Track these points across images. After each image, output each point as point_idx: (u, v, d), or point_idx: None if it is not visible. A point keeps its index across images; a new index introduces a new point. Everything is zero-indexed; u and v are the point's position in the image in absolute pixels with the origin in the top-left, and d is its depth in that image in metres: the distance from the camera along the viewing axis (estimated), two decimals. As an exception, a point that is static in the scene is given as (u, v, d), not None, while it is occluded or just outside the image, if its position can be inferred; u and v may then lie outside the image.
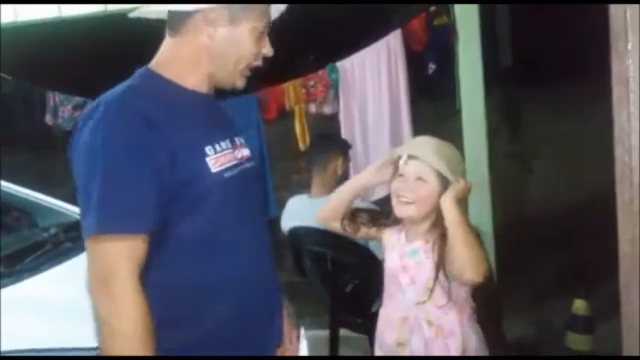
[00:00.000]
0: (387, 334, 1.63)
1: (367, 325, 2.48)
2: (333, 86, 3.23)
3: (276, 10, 1.31)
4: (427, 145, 1.56)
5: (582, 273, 3.13)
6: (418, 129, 3.25)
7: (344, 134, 3.18)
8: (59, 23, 3.15)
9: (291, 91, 3.23)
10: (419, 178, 1.53)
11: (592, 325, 2.74)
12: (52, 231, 2.20)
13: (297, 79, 3.23)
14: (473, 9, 3.07)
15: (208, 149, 1.20)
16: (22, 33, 3.14)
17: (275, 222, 2.59)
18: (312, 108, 3.28)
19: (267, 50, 1.28)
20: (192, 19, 1.22)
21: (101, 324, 1.13)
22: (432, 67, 3.21)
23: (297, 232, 2.49)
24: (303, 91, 3.23)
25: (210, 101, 1.29)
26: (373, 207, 1.82)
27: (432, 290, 1.52)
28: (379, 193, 3.20)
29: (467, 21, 3.07)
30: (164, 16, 1.26)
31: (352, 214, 1.69)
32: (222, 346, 1.20)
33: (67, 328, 1.60)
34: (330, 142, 2.63)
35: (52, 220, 2.35)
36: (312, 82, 3.24)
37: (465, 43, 3.08)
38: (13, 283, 1.79)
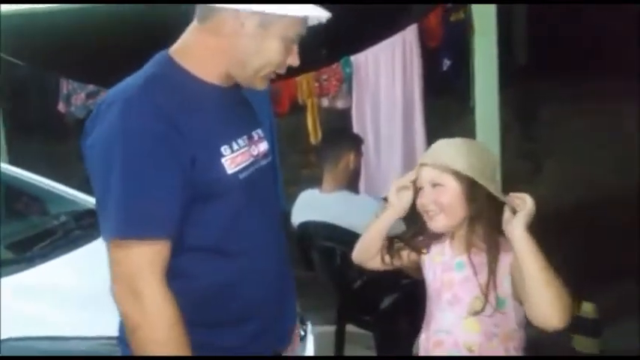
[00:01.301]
0: None
1: (374, 322, 2.48)
2: (347, 80, 3.20)
3: (315, 18, 1.22)
4: (439, 148, 1.42)
5: (590, 275, 3.10)
6: (431, 126, 3.22)
7: (356, 129, 3.16)
8: (74, 10, 3.15)
9: (304, 84, 3.21)
10: (435, 185, 1.38)
11: (599, 328, 2.72)
12: (63, 219, 2.21)
13: (310, 72, 3.21)
14: (490, 5, 3.04)
15: (224, 149, 1.16)
16: (37, 19, 3.14)
17: (284, 216, 2.58)
18: (325, 102, 3.25)
19: (293, 61, 1.22)
20: (223, 16, 1.16)
21: (133, 332, 1.10)
22: (447, 63, 3.18)
23: (306, 227, 2.48)
24: (316, 84, 3.21)
25: (230, 95, 1.25)
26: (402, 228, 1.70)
27: (478, 312, 1.33)
28: (389, 190, 3.19)
29: (483, 17, 3.03)
30: None
31: (388, 245, 1.52)
32: (243, 341, 1.20)
33: (78, 315, 1.60)
34: (342, 137, 2.60)
35: (63, 208, 2.35)
36: (325, 76, 3.21)
37: (481, 40, 3.05)
38: (23, 269, 1.79)
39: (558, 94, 5.94)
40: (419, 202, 1.42)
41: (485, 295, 1.32)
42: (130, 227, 1.08)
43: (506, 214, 1.31)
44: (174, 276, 1.13)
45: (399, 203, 1.46)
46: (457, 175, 1.36)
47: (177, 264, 1.13)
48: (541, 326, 1.28)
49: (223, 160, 1.16)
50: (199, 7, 1.20)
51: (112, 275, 1.11)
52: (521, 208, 1.29)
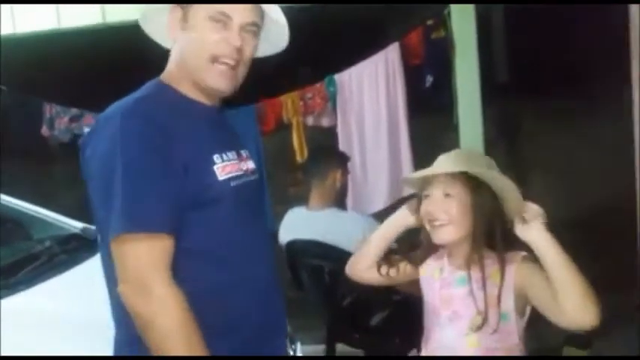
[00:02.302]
0: None
1: (364, 339, 2.47)
2: (331, 99, 3.23)
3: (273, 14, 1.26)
4: (447, 158, 1.39)
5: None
6: (416, 142, 3.25)
7: (342, 147, 3.17)
8: (57, 35, 3.15)
9: (289, 103, 3.23)
10: (447, 195, 1.34)
11: (590, 340, 2.74)
12: (47, 243, 2.18)
13: (294, 91, 3.23)
14: (470, 23, 3.09)
15: (216, 157, 1.20)
16: (20, 44, 3.13)
17: (272, 236, 2.57)
18: (310, 120, 3.27)
19: (234, 40, 1.20)
20: (169, 23, 1.25)
21: (145, 329, 1.11)
22: (429, 80, 3.22)
23: (294, 245, 2.47)
24: (301, 103, 3.23)
25: (217, 114, 1.30)
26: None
27: (479, 328, 1.30)
28: (376, 206, 3.21)
29: (464, 34, 3.09)
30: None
31: (385, 257, 1.49)
32: (233, 350, 1.20)
33: (64, 341, 1.57)
34: (328, 155, 2.62)
35: (47, 233, 2.33)
36: (309, 95, 3.24)
37: (462, 57, 3.10)
38: (7, 295, 1.76)
39: (539, 109, 6.02)
40: (424, 209, 1.37)
41: (486, 312, 1.30)
42: (136, 222, 1.11)
43: (518, 223, 1.30)
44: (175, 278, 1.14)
45: (409, 213, 1.43)
46: (469, 186, 1.33)
47: (173, 270, 1.15)
48: (574, 326, 1.24)
49: (215, 167, 1.19)
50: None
51: (119, 275, 1.13)
52: (531, 216, 1.29)
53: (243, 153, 1.30)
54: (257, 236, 1.28)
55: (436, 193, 1.36)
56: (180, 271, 1.15)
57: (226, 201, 1.20)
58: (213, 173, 1.19)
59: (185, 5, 1.22)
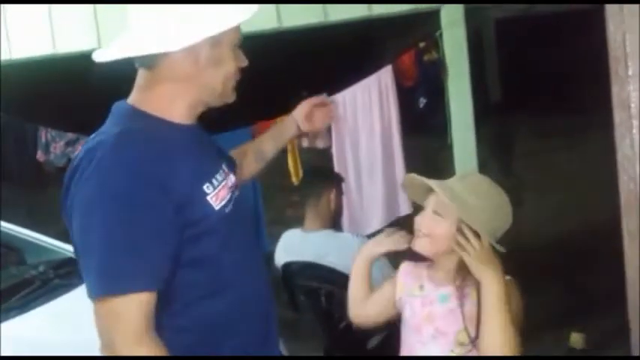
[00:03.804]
0: None
1: (361, 361, 2.44)
2: (326, 121, 3.24)
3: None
4: (458, 180, 1.41)
5: (579, 306, 3.10)
6: (410, 163, 3.26)
7: (337, 168, 3.18)
8: (52, 60, 3.16)
9: (283, 126, 3.23)
10: (435, 212, 1.38)
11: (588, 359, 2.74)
12: (41, 268, 2.16)
13: (289, 113, 3.24)
14: (461, 44, 3.13)
15: (206, 187, 1.17)
16: (16, 69, 3.14)
17: (268, 257, 2.56)
18: (305, 142, 3.28)
19: (243, 61, 1.24)
20: (172, 55, 1.16)
21: None
22: (422, 101, 3.24)
23: (290, 267, 2.46)
24: (296, 125, 3.23)
25: (196, 132, 1.26)
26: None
27: (465, 344, 1.32)
28: (372, 227, 3.20)
29: (456, 56, 3.12)
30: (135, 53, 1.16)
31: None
32: None
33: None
34: (323, 176, 2.62)
35: (41, 258, 2.31)
36: (304, 117, 3.24)
37: (455, 78, 3.13)
38: (1, 321, 1.74)
39: (532, 129, 6.08)
40: (416, 219, 1.42)
41: (467, 328, 1.32)
42: (110, 285, 1.07)
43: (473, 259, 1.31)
44: (167, 314, 1.12)
45: (382, 242, 1.49)
46: (456, 212, 1.34)
47: (173, 304, 1.13)
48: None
49: (208, 198, 1.17)
50: (140, 56, 1.18)
51: (99, 336, 1.09)
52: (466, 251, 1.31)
53: (225, 167, 1.27)
54: (251, 255, 1.27)
55: (428, 207, 1.41)
56: (182, 303, 1.14)
57: (223, 228, 1.18)
58: (209, 204, 1.16)
59: (214, 36, 1.16)
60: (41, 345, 1.65)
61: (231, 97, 1.25)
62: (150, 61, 1.18)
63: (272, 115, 3.26)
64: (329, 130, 3.23)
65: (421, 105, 3.24)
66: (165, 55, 1.16)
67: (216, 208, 1.17)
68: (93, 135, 1.20)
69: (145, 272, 1.08)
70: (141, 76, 1.22)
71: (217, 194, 1.18)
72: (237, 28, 1.21)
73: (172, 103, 1.20)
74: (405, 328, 1.44)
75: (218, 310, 1.17)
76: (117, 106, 1.22)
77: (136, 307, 1.07)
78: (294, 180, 3.22)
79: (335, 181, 2.58)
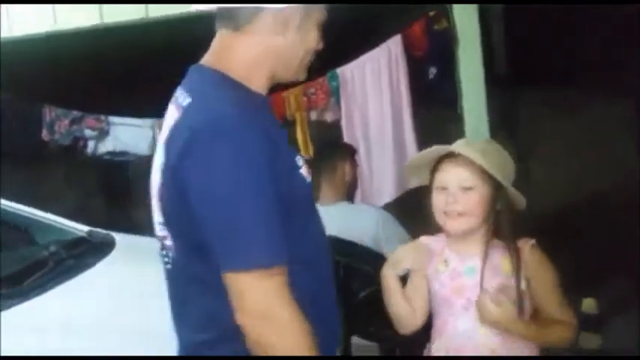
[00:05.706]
0: None
1: (379, 332, 2.44)
2: (334, 93, 3.19)
3: None
4: (470, 144, 1.42)
5: (590, 272, 3.11)
6: (421, 133, 3.22)
7: (347, 141, 3.14)
8: (54, 37, 3.11)
9: (291, 99, 3.19)
10: (464, 188, 1.36)
11: (601, 324, 2.76)
12: (53, 248, 2.15)
13: (297, 87, 3.19)
14: (472, 13, 3.06)
15: (297, 159, 1.17)
16: (17, 47, 3.09)
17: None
18: (314, 115, 3.24)
19: (320, 43, 1.22)
20: (263, 17, 1.15)
21: (265, 352, 1.09)
22: (432, 71, 3.18)
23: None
24: (304, 98, 3.19)
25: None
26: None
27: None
28: (383, 199, 3.18)
29: (466, 25, 3.05)
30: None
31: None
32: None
33: (79, 345, 1.55)
34: (335, 149, 2.60)
35: (51, 237, 2.30)
36: (312, 90, 3.20)
37: (465, 48, 3.06)
38: (18, 303, 1.74)
39: (543, 98, 6.00)
40: (439, 199, 1.38)
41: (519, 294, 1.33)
42: (257, 260, 1.08)
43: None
44: None
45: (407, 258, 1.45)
46: (486, 178, 1.35)
47: None
48: None
49: (301, 170, 1.17)
50: (228, 14, 1.16)
51: (238, 306, 1.09)
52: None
53: None
54: (322, 231, 1.26)
55: (453, 185, 1.37)
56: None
57: (309, 201, 1.19)
58: (302, 176, 1.17)
59: (308, 7, 1.17)
60: (61, 324, 1.65)
61: (302, 75, 1.24)
62: (239, 21, 1.15)
63: (279, 88, 3.21)
64: (338, 102, 3.19)
65: (431, 75, 3.18)
66: (255, 16, 1.15)
67: (308, 181, 1.17)
68: (186, 102, 1.14)
69: (280, 247, 1.10)
70: (223, 37, 1.18)
71: (305, 168, 1.18)
72: (323, 8, 1.21)
73: (256, 71, 1.17)
74: (436, 300, 1.43)
75: (305, 285, 1.15)
76: (200, 73, 1.18)
77: (276, 279, 1.09)
78: (304, 154, 3.18)
79: (348, 152, 2.56)
